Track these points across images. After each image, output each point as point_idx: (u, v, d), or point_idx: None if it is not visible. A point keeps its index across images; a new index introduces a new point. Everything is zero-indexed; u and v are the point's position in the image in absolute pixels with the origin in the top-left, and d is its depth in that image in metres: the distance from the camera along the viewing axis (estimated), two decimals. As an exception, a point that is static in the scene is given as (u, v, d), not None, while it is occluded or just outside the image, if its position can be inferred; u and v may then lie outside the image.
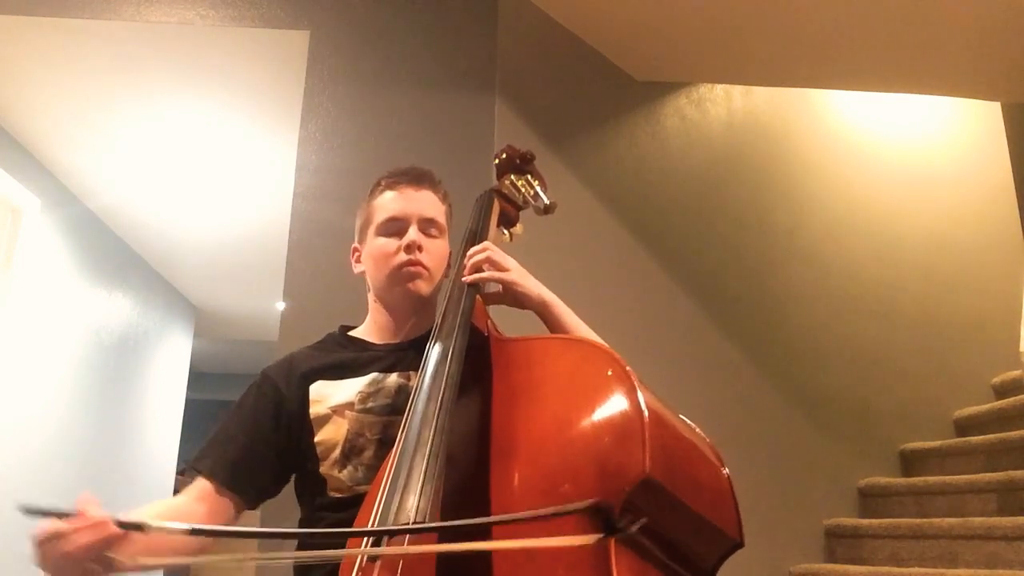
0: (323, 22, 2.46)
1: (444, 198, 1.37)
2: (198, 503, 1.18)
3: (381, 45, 2.44)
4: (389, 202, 1.32)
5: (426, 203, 1.32)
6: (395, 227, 1.29)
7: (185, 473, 6.12)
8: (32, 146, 3.39)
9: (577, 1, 2.59)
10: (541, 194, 1.42)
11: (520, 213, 1.47)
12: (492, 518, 0.87)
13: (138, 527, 0.84)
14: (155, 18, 2.46)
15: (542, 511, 0.77)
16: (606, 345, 1.02)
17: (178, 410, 5.51)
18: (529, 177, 1.45)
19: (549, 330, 1.27)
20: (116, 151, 3.40)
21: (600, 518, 0.74)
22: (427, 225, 1.30)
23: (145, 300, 4.83)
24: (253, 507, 1.24)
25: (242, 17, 2.47)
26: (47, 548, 0.86)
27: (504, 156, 1.46)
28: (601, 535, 0.74)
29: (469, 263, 1.23)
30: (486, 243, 1.27)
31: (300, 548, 1.18)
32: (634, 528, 0.75)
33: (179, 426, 5.51)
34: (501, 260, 1.24)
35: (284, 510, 1.37)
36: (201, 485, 1.20)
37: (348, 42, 2.44)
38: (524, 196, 1.43)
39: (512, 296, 1.25)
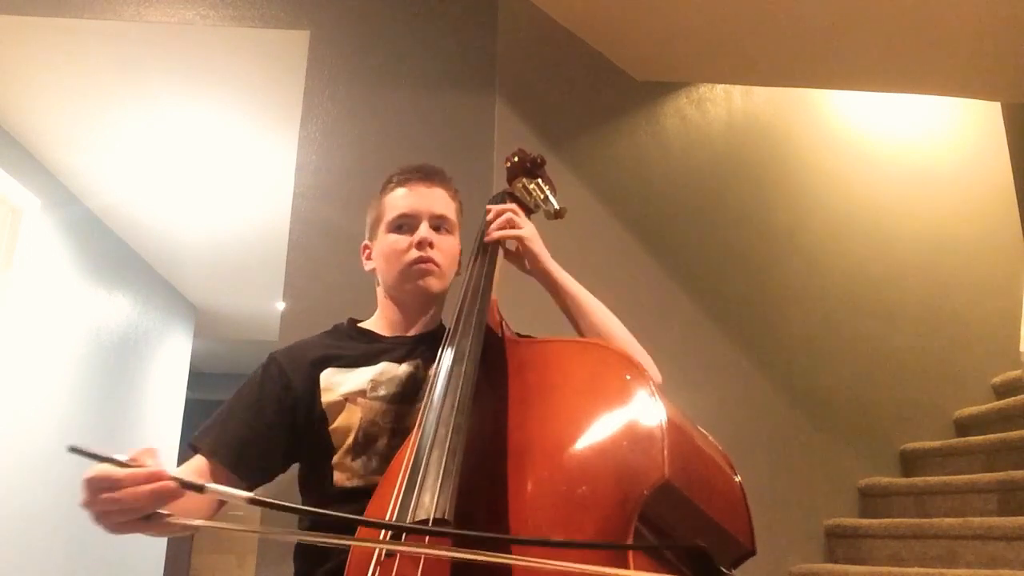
0: (323, 22, 2.46)
1: (455, 195, 1.38)
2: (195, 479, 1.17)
3: (381, 45, 2.44)
4: (400, 199, 1.33)
5: (437, 200, 1.33)
6: (406, 224, 1.31)
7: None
8: (32, 146, 3.39)
9: (577, 1, 2.59)
10: (551, 199, 1.43)
11: (531, 217, 1.47)
12: (526, 538, 0.83)
13: (197, 487, 0.79)
14: (155, 18, 2.46)
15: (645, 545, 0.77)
16: (623, 348, 1.02)
17: (178, 410, 5.51)
18: (540, 181, 1.45)
19: (555, 300, 1.33)
20: (116, 151, 3.39)
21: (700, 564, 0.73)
22: (438, 222, 1.32)
23: (145, 300, 4.83)
24: (249, 490, 1.22)
25: (242, 17, 2.47)
26: (98, 492, 0.82)
27: (516, 159, 1.46)
28: None
29: (494, 214, 1.34)
30: (512, 205, 1.36)
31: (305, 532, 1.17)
32: None
33: (179, 426, 5.50)
34: (519, 220, 1.35)
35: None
36: (199, 463, 1.18)
37: (348, 42, 2.43)
38: (535, 200, 1.44)
39: (524, 255, 1.34)
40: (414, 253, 1.28)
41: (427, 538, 0.84)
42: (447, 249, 1.32)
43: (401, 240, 1.30)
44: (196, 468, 1.18)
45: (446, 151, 2.31)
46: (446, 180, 1.38)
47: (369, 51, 2.43)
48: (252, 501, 0.78)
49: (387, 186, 1.36)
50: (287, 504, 0.80)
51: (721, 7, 2.61)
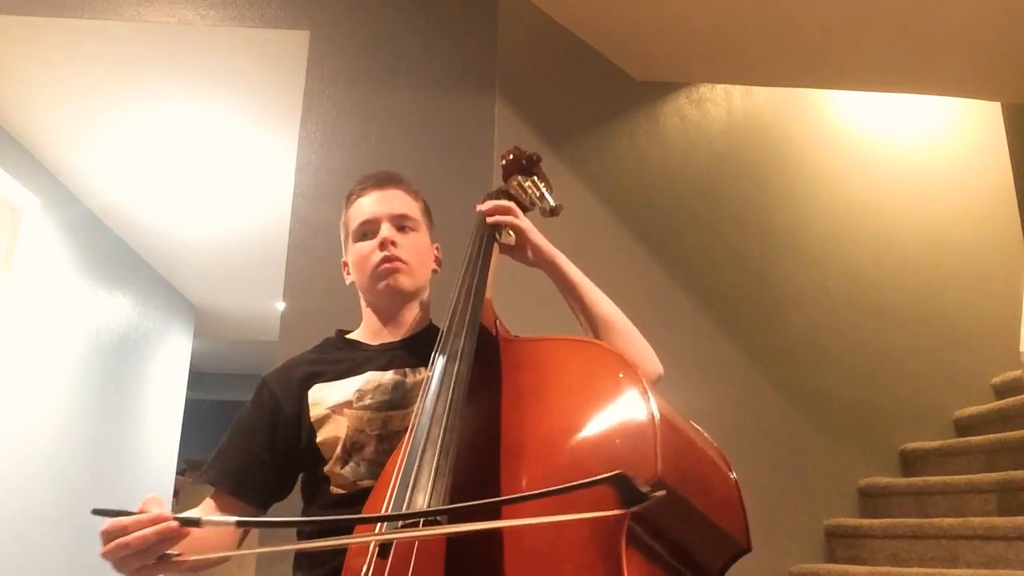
0: (323, 22, 2.46)
1: (416, 196, 1.41)
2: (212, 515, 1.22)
3: (381, 45, 2.44)
4: (361, 207, 1.36)
5: (396, 201, 1.36)
6: (370, 230, 1.33)
7: (185, 473, 6.12)
8: (32, 146, 3.39)
9: (577, 1, 2.59)
10: (547, 196, 1.43)
11: (527, 214, 1.47)
12: (505, 497, 0.88)
13: (194, 522, 0.90)
14: (155, 18, 2.46)
15: (560, 487, 0.77)
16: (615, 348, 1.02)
17: (178, 410, 5.52)
18: (535, 179, 1.46)
19: (559, 289, 1.31)
20: (116, 151, 3.40)
21: (621, 490, 0.74)
22: (400, 221, 1.34)
23: (145, 300, 4.83)
24: (263, 510, 1.27)
25: (242, 17, 2.47)
26: (111, 539, 0.91)
27: (511, 157, 1.47)
28: (623, 510, 0.75)
29: (488, 205, 1.30)
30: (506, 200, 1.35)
31: (303, 540, 1.23)
32: (656, 495, 0.74)
33: (179, 426, 5.51)
34: (518, 212, 1.32)
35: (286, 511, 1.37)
36: (208, 502, 1.24)
37: (348, 42, 2.43)
38: (531, 197, 1.44)
39: (525, 246, 1.31)
40: (379, 254, 1.30)
41: (419, 533, 0.85)
42: (413, 246, 1.34)
43: (366, 246, 1.32)
44: (208, 507, 1.24)
45: (446, 151, 2.31)
46: (403, 182, 1.40)
47: (369, 51, 2.43)
48: (239, 523, 0.91)
49: (348, 200, 1.40)
50: (270, 520, 0.88)
51: (721, 7, 2.61)
